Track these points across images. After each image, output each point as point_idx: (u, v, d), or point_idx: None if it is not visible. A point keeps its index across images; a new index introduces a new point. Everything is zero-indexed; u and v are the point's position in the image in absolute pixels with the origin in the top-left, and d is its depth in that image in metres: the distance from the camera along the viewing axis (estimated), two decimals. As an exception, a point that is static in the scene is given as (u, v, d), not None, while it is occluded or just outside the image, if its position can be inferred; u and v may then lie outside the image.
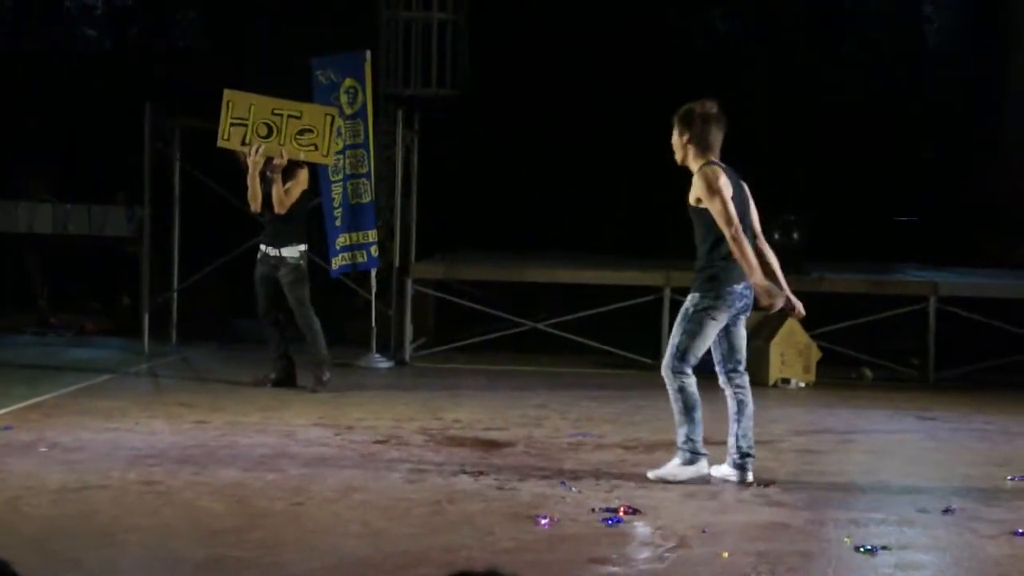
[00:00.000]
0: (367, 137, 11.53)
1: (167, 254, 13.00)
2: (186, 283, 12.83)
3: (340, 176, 11.45)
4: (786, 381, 11.24)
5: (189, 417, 8.82)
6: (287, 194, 10.01)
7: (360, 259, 11.66)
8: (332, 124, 10.33)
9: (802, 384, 11.28)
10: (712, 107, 6.91)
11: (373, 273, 11.92)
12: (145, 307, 12.47)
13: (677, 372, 6.93)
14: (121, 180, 14.53)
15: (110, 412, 8.88)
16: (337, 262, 11.57)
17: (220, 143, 10.27)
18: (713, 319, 6.88)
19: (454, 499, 6.58)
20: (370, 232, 11.64)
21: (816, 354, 11.45)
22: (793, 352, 11.36)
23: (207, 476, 6.96)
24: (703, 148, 6.89)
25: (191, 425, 8.53)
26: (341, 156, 11.40)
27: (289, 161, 10.06)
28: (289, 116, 10.25)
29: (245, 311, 14.01)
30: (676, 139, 6.95)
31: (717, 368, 7.04)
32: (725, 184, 6.82)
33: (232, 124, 10.21)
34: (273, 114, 10.23)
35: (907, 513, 6.51)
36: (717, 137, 6.90)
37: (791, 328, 11.33)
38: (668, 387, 6.96)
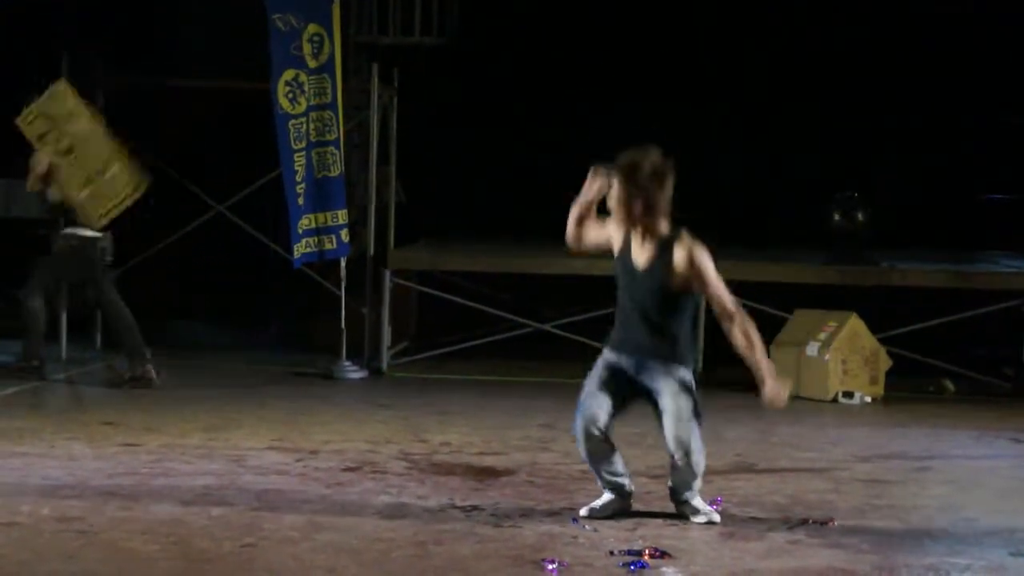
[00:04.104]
0: (335, 96, 11.52)
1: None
2: (112, 275, 12.79)
3: (303, 144, 11.44)
4: (849, 395, 11.24)
5: (116, 439, 8.80)
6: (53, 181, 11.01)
7: (328, 246, 11.67)
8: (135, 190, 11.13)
9: (868, 399, 11.28)
10: (660, 159, 6.98)
11: (343, 262, 11.91)
12: (62, 304, 12.45)
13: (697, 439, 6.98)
14: (30, 149, 14.49)
15: (19, 433, 8.87)
16: (300, 249, 11.57)
17: (19, 122, 10.97)
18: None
19: (442, 540, 6.57)
20: (340, 212, 11.65)
21: (885, 362, 11.44)
22: (858, 360, 11.35)
23: (138, 511, 6.94)
24: (661, 211, 6.99)
25: (118, 449, 8.51)
26: (304, 119, 11.40)
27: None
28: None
29: (184, 310, 14.05)
30: (622, 199, 7.00)
31: (603, 421, 7.03)
32: None
33: (42, 116, 10.94)
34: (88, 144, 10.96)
35: (997, 557, 6.50)
36: (669, 194, 7.01)
37: (855, 330, 11.32)
38: (696, 455, 6.96)
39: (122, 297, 11.22)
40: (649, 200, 6.97)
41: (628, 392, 7.09)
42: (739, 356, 6.96)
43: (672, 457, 6.96)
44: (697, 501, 7.08)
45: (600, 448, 7.06)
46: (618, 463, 7.11)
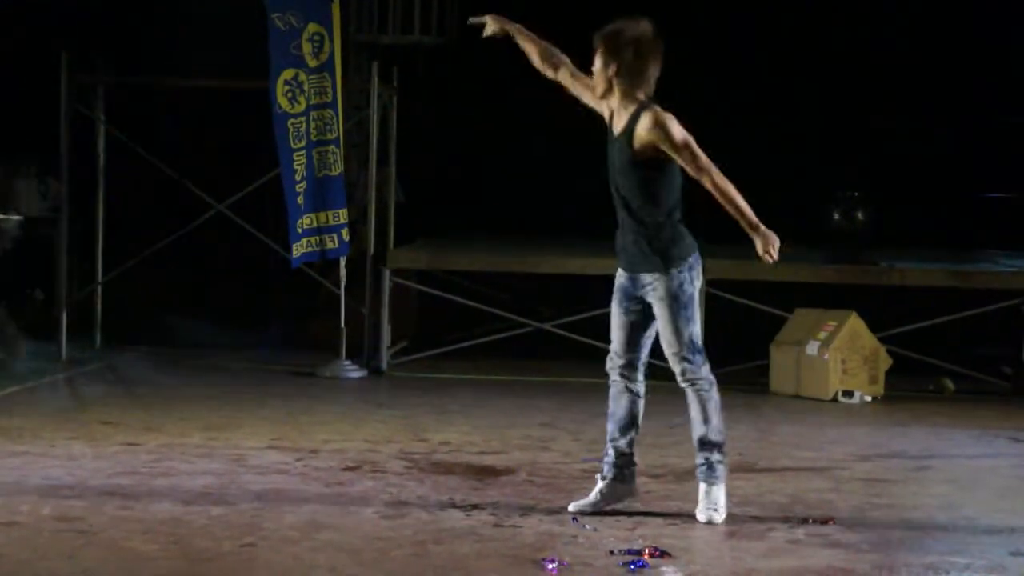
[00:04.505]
0: (335, 95, 11.52)
1: (89, 238, 12.99)
2: (112, 274, 12.81)
3: (303, 143, 11.44)
4: (848, 394, 11.23)
5: (116, 438, 8.80)
6: None
7: (329, 245, 11.67)
8: None
9: (868, 398, 11.27)
10: (648, 30, 6.88)
11: (342, 262, 11.91)
12: (62, 303, 12.45)
13: (701, 366, 6.92)
14: (32, 148, 14.50)
15: (19, 432, 8.87)
16: (299, 248, 11.57)
17: None
18: (696, 293, 6.94)
19: (441, 539, 6.56)
20: (340, 212, 11.65)
21: (885, 362, 11.44)
22: (857, 359, 11.34)
23: (138, 511, 6.93)
24: (637, 83, 6.87)
25: (118, 448, 8.51)
26: (304, 118, 11.39)
27: None
28: None
29: (185, 310, 14.05)
30: (599, 68, 6.94)
31: (615, 359, 7.06)
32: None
33: None
34: None
35: (998, 557, 6.49)
36: (654, 71, 6.90)
37: (854, 330, 11.32)
38: (698, 389, 6.92)
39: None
40: (624, 68, 6.83)
41: (641, 309, 6.99)
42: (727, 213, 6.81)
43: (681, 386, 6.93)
44: (718, 482, 6.97)
45: (616, 396, 7.05)
46: (625, 435, 7.05)
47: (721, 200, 6.81)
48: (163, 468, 7.97)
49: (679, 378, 6.97)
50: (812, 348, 11.32)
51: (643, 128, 6.80)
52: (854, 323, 11.34)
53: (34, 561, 6.07)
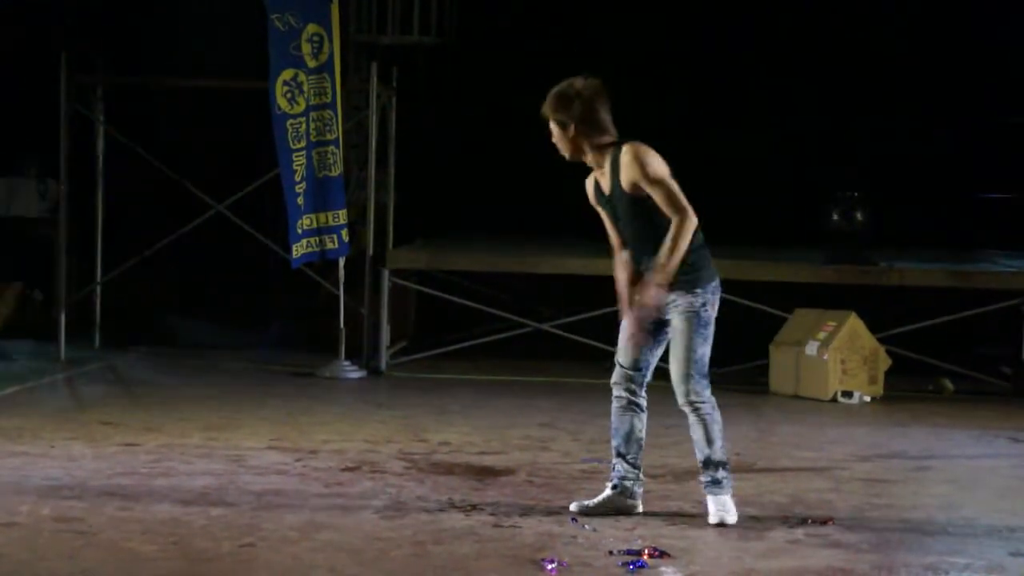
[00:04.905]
0: (335, 96, 11.52)
1: (89, 239, 12.99)
2: (112, 274, 12.82)
3: (303, 143, 11.44)
4: (848, 395, 11.23)
5: (116, 439, 8.80)
6: None
7: (329, 245, 11.68)
8: None
9: (867, 398, 11.27)
10: (581, 80, 6.93)
11: (341, 262, 11.91)
12: (61, 304, 12.46)
13: (705, 390, 6.94)
14: (32, 148, 14.51)
15: (18, 433, 8.86)
16: (299, 249, 11.57)
17: None
18: (713, 318, 6.95)
19: (441, 539, 6.57)
20: (340, 212, 11.66)
21: (885, 362, 11.44)
22: (857, 360, 11.35)
23: (138, 512, 6.93)
24: (597, 129, 6.90)
25: (118, 449, 8.51)
26: (303, 119, 11.39)
27: None
28: None
29: (184, 310, 14.05)
30: (558, 136, 6.96)
31: (622, 375, 7.06)
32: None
33: None
34: None
35: (997, 557, 6.49)
36: (605, 112, 6.92)
37: (854, 330, 11.32)
38: (701, 413, 6.93)
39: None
40: (578, 122, 6.85)
41: (657, 327, 6.98)
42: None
43: (683, 410, 6.94)
44: (725, 492, 6.97)
45: (621, 412, 7.05)
46: (632, 447, 7.05)
47: (669, 244, 6.73)
48: (163, 468, 7.97)
49: (681, 400, 6.94)
50: (812, 348, 11.32)
51: (624, 166, 6.83)
52: (853, 323, 11.34)
53: (34, 561, 6.07)
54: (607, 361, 12.07)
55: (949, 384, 11.90)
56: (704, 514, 6.99)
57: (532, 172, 15.16)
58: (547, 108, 6.99)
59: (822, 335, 11.37)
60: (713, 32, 15.40)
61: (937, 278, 12.29)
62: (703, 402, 6.94)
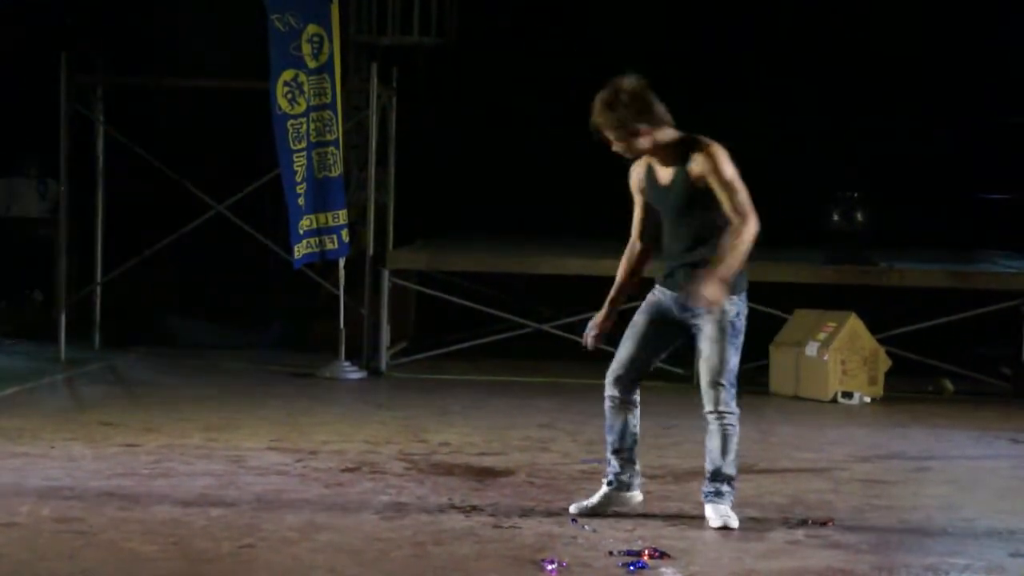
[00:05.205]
0: (335, 96, 11.52)
1: (89, 239, 13.00)
2: (112, 274, 12.82)
3: (304, 144, 11.44)
4: (848, 395, 11.23)
5: (116, 439, 8.80)
6: None
7: (329, 246, 11.68)
8: None
9: (867, 399, 11.27)
10: (622, 79, 6.82)
11: (341, 263, 11.91)
12: (61, 304, 12.46)
13: (733, 400, 6.94)
14: (32, 148, 14.52)
15: (18, 433, 8.86)
16: (300, 250, 11.57)
17: None
18: (744, 328, 6.93)
19: (441, 540, 6.57)
20: (340, 212, 11.66)
21: (885, 363, 11.44)
22: (857, 360, 11.35)
23: (137, 512, 6.93)
24: (659, 120, 6.80)
25: (118, 449, 8.51)
26: (304, 119, 11.40)
27: None
28: None
29: (184, 310, 14.06)
30: (625, 139, 6.79)
31: (621, 375, 7.02)
32: None
33: None
34: None
35: (997, 558, 6.49)
36: (657, 101, 6.82)
37: (854, 330, 11.32)
38: (725, 423, 6.93)
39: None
40: (642, 119, 6.74)
41: (672, 331, 6.97)
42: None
43: (705, 416, 6.92)
44: (726, 503, 6.96)
45: (616, 411, 7.00)
46: (627, 442, 7.00)
47: (733, 244, 6.67)
48: (162, 469, 7.97)
49: (709, 407, 6.91)
50: (812, 349, 11.32)
51: (697, 160, 6.77)
52: (853, 324, 11.35)
53: (34, 562, 6.07)
54: (608, 363, 12.09)
55: (949, 385, 11.90)
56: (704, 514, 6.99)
57: (532, 172, 15.25)
58: (603, 121, 6.78)
59: (822, 336, 11.37)
60: (713, 32, 15.40)
61: (937, 278, 12.29)
62: (730, 412, 6.93)
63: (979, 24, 15.83)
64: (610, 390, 7.06)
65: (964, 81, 15.83)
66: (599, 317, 7.24)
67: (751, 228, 6.67)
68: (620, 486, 7.08)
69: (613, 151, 6.92)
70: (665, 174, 6.87)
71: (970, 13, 15.64)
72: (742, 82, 15.07)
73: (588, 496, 7.20)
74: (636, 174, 7.01)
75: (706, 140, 6.83)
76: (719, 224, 6.76)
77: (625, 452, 7.07)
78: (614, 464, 7.09)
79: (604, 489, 7.10)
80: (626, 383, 7.04)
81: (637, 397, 7.09)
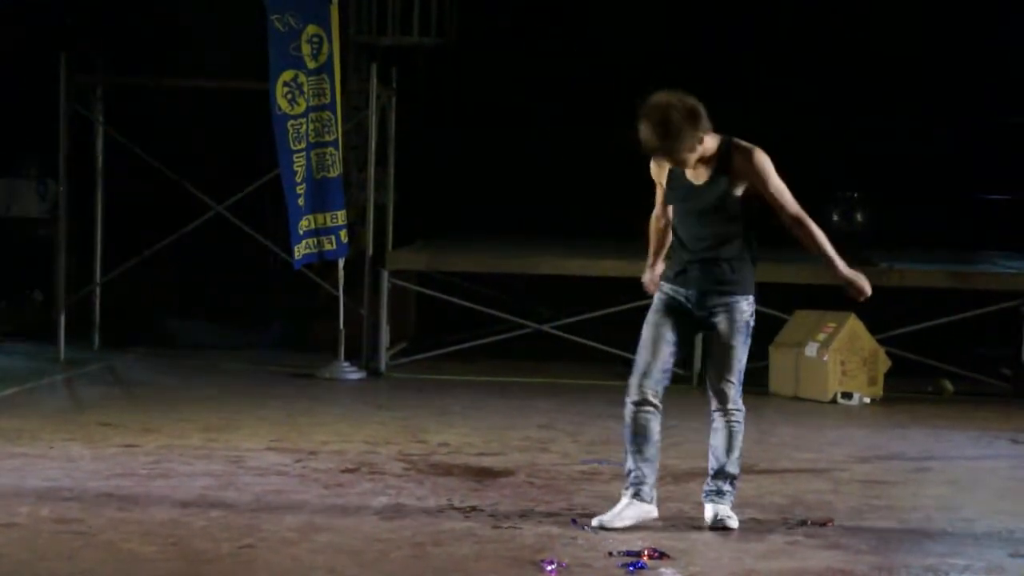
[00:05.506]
0: (334, 96, 11.52)
1: (88, 239, 13.00)
2: (112, 274, 12.82)
3: (303, 144, 11.44)
4: (847, 396, 11.23)
5: (115, 440, 8.80)
6: None
7: (328, 246, 11.67)
8: None
9: (867, 399, 11.27)
10: (664, 94, 6.76)
11: (341, 263, 11.91)
12: (61, 304, 12.46)
13: (740, 398, 6.96)
14: (32, 148, 14.51)
15: (17, 434, 8.86)
16: (300, 250, 11.57)
17: None
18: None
19: (440, 540, 6.57)
20: (339, 213, 11.66)
21: (884, 363, 11.44)
22: (856, 361, 11.35)
23: (137, 513, 6.93)
24: (706, 126, 6.79)
25: (117, 450, 8.51)
26: (304, 120, 11.39)
27: None
28: None
29: (184, 310, 14.06)
30: (688, 152, 6.74)
31: (650, 379, 6.88)
32: None
33: None
34: None
35: (996, 558, 6.50)
36: (705, 119, 6.83)
37: (854, 331, 11.32)
38: (732, 421, 6.93)
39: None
40: (696, 127, 6.69)
41: (686, 330, 6.95)
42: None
43: (711, 413, 6.93)
44: (726, 503, 6.95)
45: (652, 422, 6.86)
46: (652, 455, 6.88)
47: (811, 245, 6.83)
48: (162, 469, 7.97)
49: (717, 405, 6.93)
50: (811, 349, 11.32)
51: (743, 167, 6.80)
52: (853, 324, 11.34)
53: (33, 562, 6.07)
54: (608, 363, 12.09)
55: (949, 385, 11.90)
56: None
57: (532, 172, 15.25)
58: (667, 141, 6.69)
59: (822, 336, 11.37)
60: (713, 32, 15.40)
61: (937, 279, 12.29)
62: (738, 410, 6.95)
63: (979, 24, 15.83)
64: (636, 395, 6.90)
65: (964, 81, 15.82)
66: (649, 270, 7.15)
67: (811, 221, 6.84)
68: (643, 497, 6.89)
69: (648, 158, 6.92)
70: (700, 174, 6.86)
71: (970, 13, 15.64)
72: (742, 82, 15.06)
73: (591, 498, 7.18)
74: (659, 163, 6.97)
75: (748, 146, 6.86)
76: (741, 228, 6.84)
77: (651, 462, 6.89)
78: (640, 473, 6.88)
79: (630, 501, 6.88)
80: (654, 386, 6.90)
81: (660, 402, 6.98)
